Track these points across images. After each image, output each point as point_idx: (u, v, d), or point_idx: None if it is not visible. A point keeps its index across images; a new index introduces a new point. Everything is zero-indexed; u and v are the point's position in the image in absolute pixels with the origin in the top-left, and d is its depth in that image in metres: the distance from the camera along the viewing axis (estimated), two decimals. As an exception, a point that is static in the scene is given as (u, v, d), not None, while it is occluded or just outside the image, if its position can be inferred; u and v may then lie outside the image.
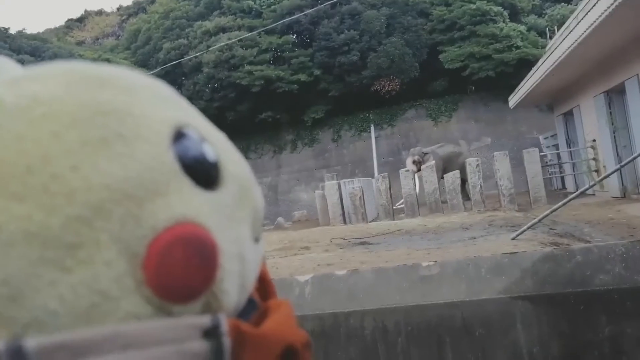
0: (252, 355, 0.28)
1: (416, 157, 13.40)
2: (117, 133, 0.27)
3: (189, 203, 0.28)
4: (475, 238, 5.51)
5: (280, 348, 0.31)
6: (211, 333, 0.27)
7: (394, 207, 11.74)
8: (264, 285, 0.40)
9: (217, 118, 24.34)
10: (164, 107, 0.31)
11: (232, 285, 0.30)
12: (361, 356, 2.41)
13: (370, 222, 11.18)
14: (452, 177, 10.71)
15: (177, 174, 0.28)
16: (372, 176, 16.97)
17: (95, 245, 0.25)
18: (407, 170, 11.66)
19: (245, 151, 24.21)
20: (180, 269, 0.26)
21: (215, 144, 0.32)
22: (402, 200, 11.93)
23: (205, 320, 0.27)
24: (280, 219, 16.28)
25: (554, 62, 10.05)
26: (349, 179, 14.33)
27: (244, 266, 0.32)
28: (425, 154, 13.42)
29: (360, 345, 2.41)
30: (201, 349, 0.26)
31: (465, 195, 11.32)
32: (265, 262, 0.42)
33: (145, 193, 0.26)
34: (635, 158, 5.16)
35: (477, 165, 10.43)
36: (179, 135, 0.29)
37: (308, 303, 2.56)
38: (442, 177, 11.32)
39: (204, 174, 0.30)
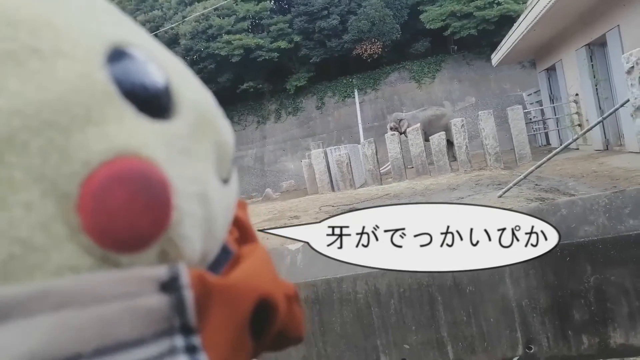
0: (220, 310, 0.25)
1: (392, 124, 13.48)
2: (30, 47, 0.22)
3: (131, 133, 0.23)
4: (462, 198, 5.58)
5: (253, 299, 0.27)
6: (169, 286, 0.23)
7: (381, 171, 11.81)
8: (244, 233, 0.35)
9: (198, 91, 23.83)
10: (99, 21, 0.25)
11: (194, 231, 0.25)
12: (355, 319, 2.46)
13: (358, 188, 11.24)
14: (438, 139, 10.74)
15: (114, 98, 0.23)
16: (358, 142, 16.95)
17: (8, 184, 0.20)
18: (393, 134, 11.67)
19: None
20: (123, 211, 0.22)
21: (167, 67, 0.27)
22: (388, 163, 11.99)
23: (161, 271, 0.23)
24: (268, 190, 16.28)
25: (536, 17, 9.97)
26: (335, 146, 14.32)
27: (209, 209, 0.27)
28: (401, 119, 13.49)
29: (354, 309, 2.45)
30: (158, 305, 0.22)
31: (452, 156, 11.40)
32: (246, 207, 0.37)
33: (71, 120, 0.21)
34: (616, 110, 5.20)
35: (462, 125, 10.46)
36: (117, 55, 0.24)
37: (300, 271, 2.58)
38: (427, 140, 11.36)
39: (151, 100, 0.24)
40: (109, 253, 0.22)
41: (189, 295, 0.23)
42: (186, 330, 0.23)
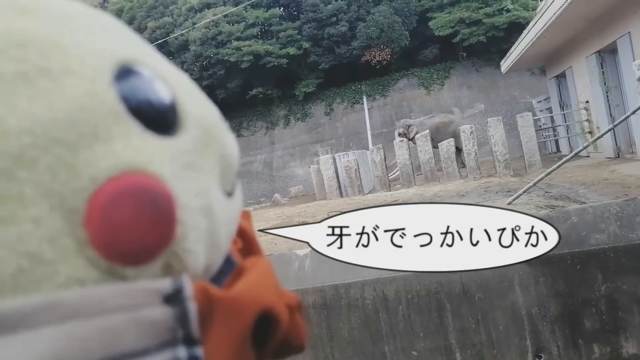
0: (223, 322, 0.25)
1: (400, 130, 13.52)
2: (40, 67, 0.22)
3: (137, 150, 0.24)
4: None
5: (255, 312, 0.27)
6: (173, 298, 0.24)
7: (389, 176, 11.80)
8: (248, 243, 0.36)
9: (208, 96, 23.95)
10: (106, 40, 0.26)
11: (198, 244, 0.26)
12: (363, 325, 2.45)
13: (366, 194, 11.23)
14: (447, 146, 10.71)
15: (121, 116, 0.24)
16: (367, 148, 16.95)
17: (18, 200, 0.21)
18: (402, 141, 11.65)
19: (237, 129, 24.07)
20: (130, 225, 0.22)
21: (173, 83, 0.28)
22: (397, 169, 11.98)
23: (165, 283, 0.24)
24: (276, 195, 16.31)
25: (545, 24, 9.94)
26: (344, 152, 14.32)
27: (213, 222, 0.28)
28: (410, 125, 13.53)
29: (362, 315, 2.44)
30: (162, 316, 0.23)
31: (460, 163, 11.36)
32: (251, 218, 0.38)
33: (79, 138, 0.22)
34: (627, 117, 5.15)
35: (471, 132, 10.42)
36: (125, 72, 0.25)
37: (308, 276, 2.58)
38: (435, 147, 11.34)
39: (157, 117, 0.25)
40: (115, 266, 0.23)
41: (192, 307, 0.24)
42: (189, 341, 0.24)
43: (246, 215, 0.37)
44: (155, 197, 0.23)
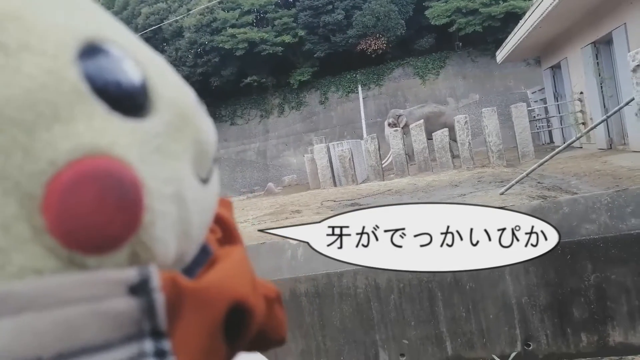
0: (192, 314, 0.24)
1: (390, 120, 13.54)
2: None
3: (101, 132, 0.22)
4: (464, 195, 5.58)
5: (226, 303, 0.26)
6: (139, 289, 0.22)
7: (382, 165, 11.83)
8: (227, 232, 0.34)
9: (202, 84, 23.93)
10: (73, 16, 0.24)
11: (168, 232, 0.25)
12: (354, 314, 2.46)
13: (360, 183, 11.24)
14: (441, 136, 10.72)
15: (85, 96, 0.22)
16: (361, 138, 16.95)
17: None
18: (396, 130, 11.66)
19: (231, 117, 23.96)
20: (91, 212, 0.21)
21: (145, 64, 0.26)
22: (389, 156, 12.01)
23: (130, 273, 0.22)
24: (270, 184, 16.30)
25: (542, 14, 9.92)
26: (338, 142, 14.31)
27: (185, 209, 0.26)
28: (399, 115, 13.56)
29: (354, 304, 2.46)
30: (126, 308, 0.22)
31: (452, 153, 11.41)
32: (231, 207, 0.37)
33: (36, 118, 0.21)
34: (621, 108, 5.18)
35: (466, 122, 10.44)
36: (91, 50, 0.23)
37: (301, 265, 2.59)
38: (429, 137, 11.37)
39: (125, 98, 0.24)
40: (75, 255, 0.21)
41: (159, 298, 0.23)
42: (156, 334, 0.23)
43: (226, 204, 0.36)
44: (119, 182, 0.22)
